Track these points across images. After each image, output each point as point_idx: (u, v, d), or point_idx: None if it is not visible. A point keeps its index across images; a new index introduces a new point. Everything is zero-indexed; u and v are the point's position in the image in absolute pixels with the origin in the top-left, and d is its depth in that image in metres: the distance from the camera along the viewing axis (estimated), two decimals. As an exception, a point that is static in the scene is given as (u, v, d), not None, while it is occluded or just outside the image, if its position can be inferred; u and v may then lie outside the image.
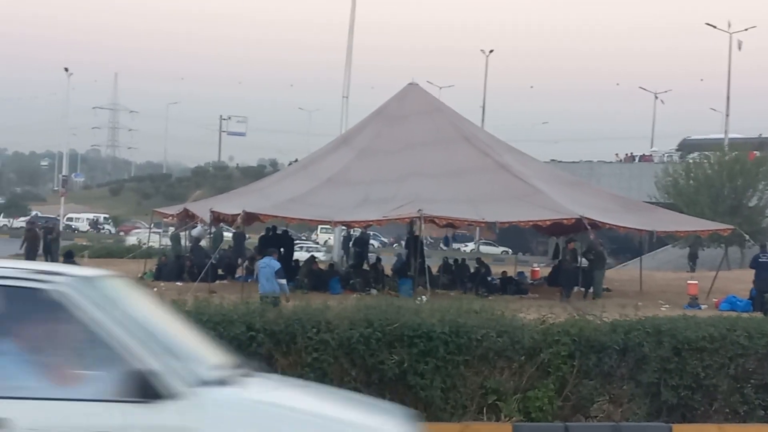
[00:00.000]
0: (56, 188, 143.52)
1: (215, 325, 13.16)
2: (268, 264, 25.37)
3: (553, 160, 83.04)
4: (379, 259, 37.37)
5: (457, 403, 13.52)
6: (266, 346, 13.24)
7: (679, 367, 14.05)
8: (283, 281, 24.61)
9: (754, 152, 62.20)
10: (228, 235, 45.37)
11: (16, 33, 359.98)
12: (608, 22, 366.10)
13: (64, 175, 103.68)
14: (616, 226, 31.51)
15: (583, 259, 33.64)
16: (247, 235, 39.57)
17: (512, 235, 60.97)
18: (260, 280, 25.04)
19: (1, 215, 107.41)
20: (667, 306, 27.47)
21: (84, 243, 64.87)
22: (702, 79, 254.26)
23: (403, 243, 52.61)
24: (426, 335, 13.38)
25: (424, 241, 33.24)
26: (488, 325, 13.77)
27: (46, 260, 43.68)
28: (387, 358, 13.32)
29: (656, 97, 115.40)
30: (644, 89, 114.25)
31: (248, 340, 13.14)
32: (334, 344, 13.28)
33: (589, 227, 29.81)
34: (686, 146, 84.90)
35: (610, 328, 14.20)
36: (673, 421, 13.63)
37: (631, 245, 50.16)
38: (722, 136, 73.76)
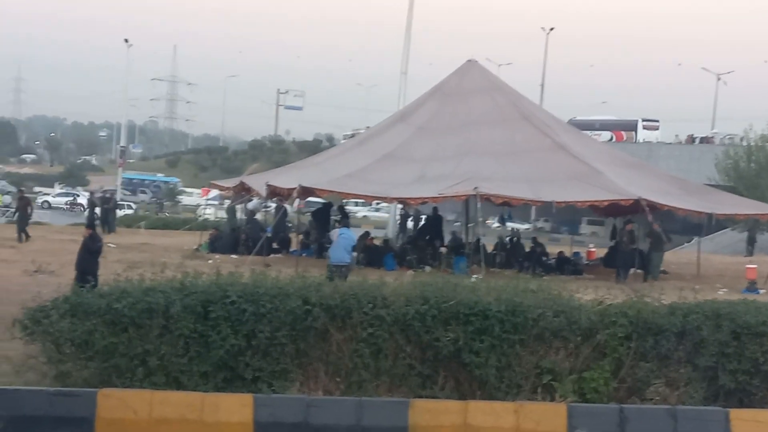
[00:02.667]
0: (114, 159, 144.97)
1: (272, 298, 13.22)
2: (349, 235, 25.52)
3: (611, 141, 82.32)
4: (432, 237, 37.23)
5: (511, 382, 13.47)
6: (322, 320, 13.28)
7: (737, 352, 13.90)
8: (355, 254, 24.72)
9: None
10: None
11: (78, 5, 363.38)
12: (671, 1, 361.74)
13: (122, 146, 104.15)
14: (674, 207, 31.14)
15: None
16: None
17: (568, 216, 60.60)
18: (337, 249, 25.02)
19: (61, 185, 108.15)
20: (724, 290, 27.09)
21: (142, 213, 65.58)
22: (767, 61, 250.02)
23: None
24: (482, 313, 13.34)
25: (480, 219, 33.03)
26: (545, 305, 13.71)
27: (104, 230, 44.17)
28: (442, 335, 13.31)
29: (719, 78, 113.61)
30: (706, 70, 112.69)
31: (304, 314, 13.19)
32: (390, 320, 13.29)
33: (647, 209, 29.50)
34: None
35: (669, 311, 14.08)
36: (730, 405, 13.43)
37: (688, 228, 49.65)
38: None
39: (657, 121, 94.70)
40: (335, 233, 26.43)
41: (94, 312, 13.02)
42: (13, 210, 56.66)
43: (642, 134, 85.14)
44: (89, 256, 21.57)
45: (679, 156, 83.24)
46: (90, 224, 22.98)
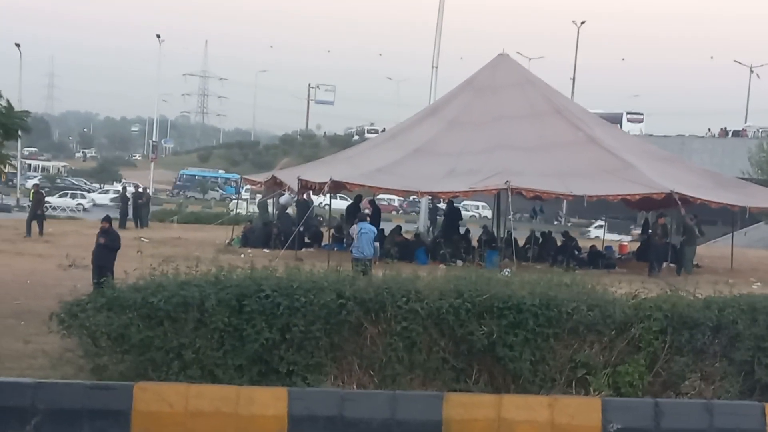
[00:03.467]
0: (145, 154, 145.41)
1: (306, 292, 13.26)
2: (370, 229, 25.68)
3: (643, 134, 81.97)
4: (468, 231, 37.24)
5: (545, 376, 13.46)
6: (356, 314, 13.31)
7: (774, 346, 13.81)
8: (377, 244, 24.88)
9: None
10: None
11: (111, 1, 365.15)
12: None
13: (154, 141, 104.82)
14: (707, 201, 30.95)
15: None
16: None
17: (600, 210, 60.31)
18: (362, 245, 25.24)
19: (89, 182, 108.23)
20: (758, 284, 26.94)
21: (173, 208, 65.86)
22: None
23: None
24: (516, 307, 13.33)
25: (511, 214, 32.93)
26: (579, 299, 13.68)
27: (136, 225, 44.44)
28: (476, 329, 13.31)
29: (752, 71, 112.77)
30: (739, 63, 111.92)
31: (338, 308, 13.22)
32: (424, 314, 13.31)
33: (679, 202, 29.36)
34: None
35: (704, 305, 14.01)
36: (766, 400, 13.37)
37: (721, 221, 49.37)
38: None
39: (641, 114, 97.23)
40: (355, 229, 26.57)
41: (130, 306, 13.12)
42: (49, 205, 57.07)
43: (626, 126, 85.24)
44: (106, 251, 21.52)
45: (712, 149, 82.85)
46: (107, 218, 22.82)
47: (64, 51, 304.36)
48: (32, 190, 44.09)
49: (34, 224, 37.43)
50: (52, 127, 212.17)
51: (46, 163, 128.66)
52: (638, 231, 49.93)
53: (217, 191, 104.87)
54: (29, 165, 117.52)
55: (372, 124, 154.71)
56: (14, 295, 22.13)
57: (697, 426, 12.59)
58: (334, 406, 12.35)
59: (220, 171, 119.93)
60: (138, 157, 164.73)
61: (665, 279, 22.00)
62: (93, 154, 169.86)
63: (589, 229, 70.04)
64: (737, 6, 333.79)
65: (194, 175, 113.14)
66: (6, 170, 22.01)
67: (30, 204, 40.29)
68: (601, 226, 58.49)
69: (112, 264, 20.91)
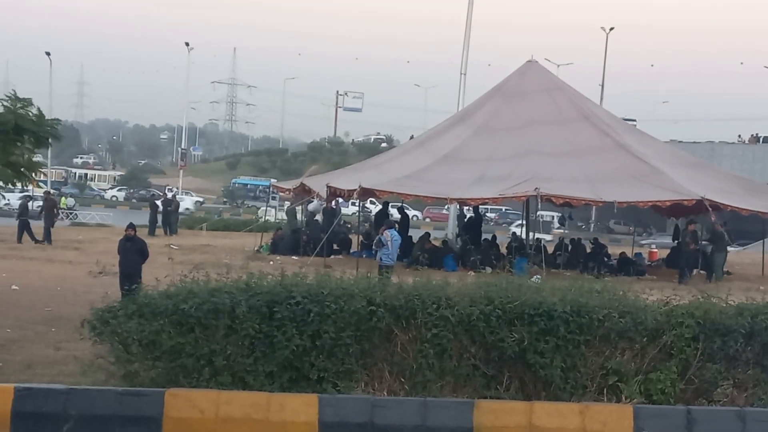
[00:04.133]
0: (174, 161, 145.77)
1: (336, 299, 13.26)
2: (398, 236, 25.84)
3: (672, 141, 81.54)
4: (494, 237, 37.20)
5: (577, 383, 13.38)
6: (386, 320, 13.29)
7: (807, 353, 13.69)
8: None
9: None
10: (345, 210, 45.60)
11: (141, 9, 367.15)
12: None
13: (183, 149, 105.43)
14: (738, 208, 30.80)
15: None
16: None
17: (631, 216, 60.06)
18: (392, 252, 25.38)
19: (114, 188, 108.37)
20: (790, 291, 26.75)
21: (202, 215, 66.13)
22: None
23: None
24: (547, 314, 13.27)
25: (539, 220, 32.93)
26: (610, 306, 13.59)
27: (165, 232, 44.66)
28: (507, 335, 13.25)
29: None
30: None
31: (368, 315, 13.21)
32: (454, 321, 13.26)
33: (710, 209, 29.21)
34: None
35: (736, 312, 13.89)
36: (799, 407, 13.27)
37: (752, 228, 48.97)
38: None
39: (634, 120, 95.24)
40: (389, 235, 26.53)
41: (161, 312, 13.14)
42: (68, 211, 57.17)
43: None
44: (135, 258, 21.47)
45: (742, 155, 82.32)
46: (131, 225, 22.72)
47: (94, 59, 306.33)
48: (43, 197, 43.69)
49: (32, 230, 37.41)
50: (82, 135, 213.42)
51: (102, 172, 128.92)
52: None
53: (276, 199, 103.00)
54: (85, 174, 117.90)
55: (378, 133, 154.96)
56: (45, 302, 22.28)
57: (730, 434, 12.51)
58: (364, 413, 12.34)
59: (273, 180, 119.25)
60: (174, 161, 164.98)
61: (696, 286, 21.89)
62: (93, 159, 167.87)
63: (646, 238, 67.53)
64: (767, 11, 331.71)
65: (246, 184, 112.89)
66: (37, 178, 22.10)
67: (42, 211, 39.77)
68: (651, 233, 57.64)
69: (140, 271, 20.93)
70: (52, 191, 54.33)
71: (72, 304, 20.59)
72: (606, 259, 34.64)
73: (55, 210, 40.00)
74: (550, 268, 28.14)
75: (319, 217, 39.72)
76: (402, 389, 13.34)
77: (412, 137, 59.01)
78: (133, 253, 21.49)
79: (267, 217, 48.82)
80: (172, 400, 12.34)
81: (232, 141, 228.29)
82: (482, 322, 13.24)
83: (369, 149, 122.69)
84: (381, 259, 25.83)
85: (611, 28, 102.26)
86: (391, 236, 26.12)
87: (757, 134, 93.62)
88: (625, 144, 33.51)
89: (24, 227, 38.57)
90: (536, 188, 28.85)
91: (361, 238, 35.81)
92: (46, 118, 20.57)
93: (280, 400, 12.45)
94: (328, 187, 32.31)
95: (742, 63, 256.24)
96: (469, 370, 13.42)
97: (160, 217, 45.93)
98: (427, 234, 36.19)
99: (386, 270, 22.87)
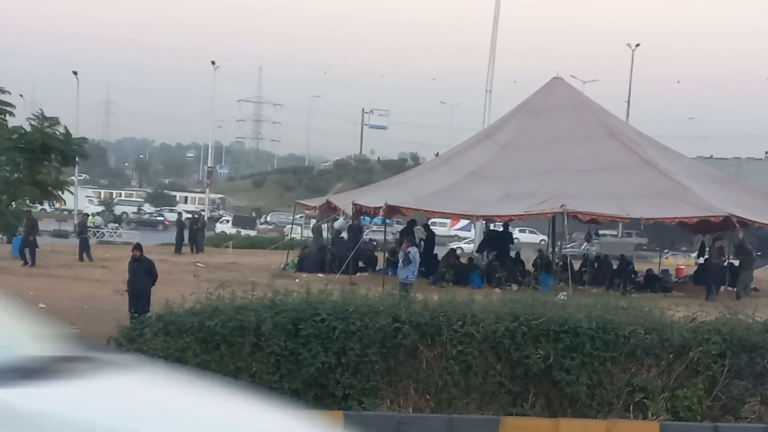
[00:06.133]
0: (200, 179, 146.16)
1: (361, 316, 13.28)
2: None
3: (699, 157, 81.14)
4: (518, 254, 37.13)
5: (603, 400, 13.35)
6: (411, 337, 13.30)
7: (835, 370, 13.59)
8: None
9: None
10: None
11: (165, 29, 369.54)
12: (757, 15, 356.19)
13: (209, 167, 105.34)
14: (765, 224, 30.60)
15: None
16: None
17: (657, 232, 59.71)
18: (416, 269, 25.47)
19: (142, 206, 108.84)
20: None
21: (228, 233, 66.31)
22: None
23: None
24: (572, 330, 13.25)
25: (567, 237, 32.80)
26: (636, 322, 13.57)
27: (192, 250, 44.85)
28: (532, 352, 13.24)
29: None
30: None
31: (394, 332, 13.22)
32: (480, 337, 13.26)
33: (737, 225, 29.04)
34: None
35: (763, 328, 13.84)
36: (828, 424, 13.19)
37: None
38: None
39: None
40: (415, 251, 26.51)
41: (187, 330, 13.19)
42: (95, 229, 57.31)
43: None
44: (143, 278, 21.14)
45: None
46: (137, 245, 22.34)
47: (121, 78, 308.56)
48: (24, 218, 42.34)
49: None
50: (109, 154, 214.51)
51: (128, 190, 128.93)
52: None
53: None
54: (111, 194, 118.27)
55: (372, 151, 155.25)
56: (72, 320, 22.31)
57: (758, 451, 12.45)
58: (390, 430, 12.35)
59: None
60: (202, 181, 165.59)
61: (724, 302, 21.78)
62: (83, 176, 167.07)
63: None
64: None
65: None
66: (63, 196, 22.16)
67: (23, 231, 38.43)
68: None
69: (148, 292, 20.63)
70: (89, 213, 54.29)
71: (99, 322, 20.62)
72: (633, 275, 34.48)
73: (35, 230, 38.99)
74: (576, 284, 28.00)
75: (344, 235, 39.76)
76: (427, 406, 13.34)
77: (437, 154, 59.01)
78: (140, 273, 20.99)
79: (293, 235, 48.80)
80: (198, 417, 12.35)
81: (258, 159, 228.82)
82: (508, 338, 13.24)
83: (395, 167, 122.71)
84: (407, 277, 25.77)
85: (637, 45, 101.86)
86: (416, 256, 26.20)
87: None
88: (652, 160, 33.35)
89: (84, 246, 39.04)
90: (562, 205, 28.75)
91: (386, 255, 35.80)
92: (73, 137, 20.67)
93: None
94: (354, 204, 32.33)
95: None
96: (495, 387, 13.41)
97: (186, 235, 46.18)
98: (453, 251, 36.21)
99: (409, 287, 22.85)
